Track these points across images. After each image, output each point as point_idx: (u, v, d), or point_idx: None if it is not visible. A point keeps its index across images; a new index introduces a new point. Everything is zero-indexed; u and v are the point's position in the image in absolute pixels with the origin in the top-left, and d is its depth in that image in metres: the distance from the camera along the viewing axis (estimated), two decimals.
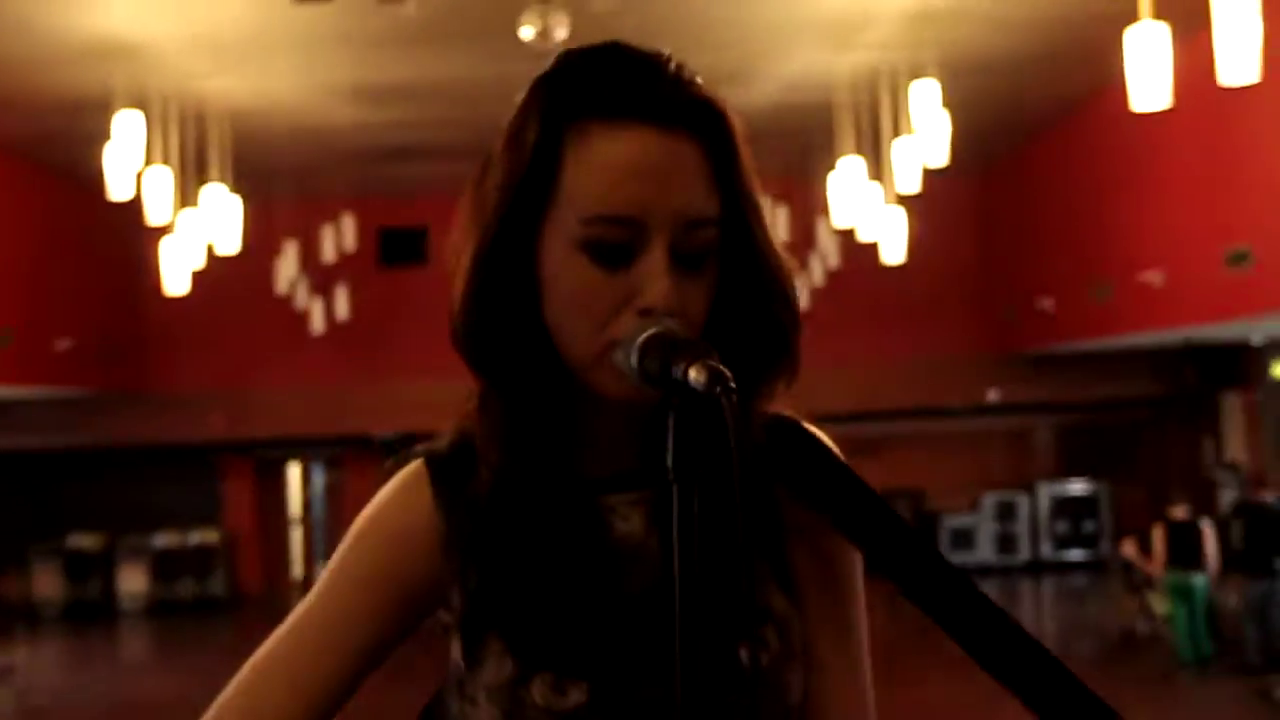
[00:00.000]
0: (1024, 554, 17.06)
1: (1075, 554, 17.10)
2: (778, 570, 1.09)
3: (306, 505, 19.08)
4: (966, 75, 10.14)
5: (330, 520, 18.57)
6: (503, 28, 8.68)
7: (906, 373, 16.37)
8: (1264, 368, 15.43)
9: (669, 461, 0.91)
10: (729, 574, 1.01)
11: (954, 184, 13.23)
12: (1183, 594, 10.41)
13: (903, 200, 10.36)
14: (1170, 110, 10.77)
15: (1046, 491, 17.17)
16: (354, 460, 17.77)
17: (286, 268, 13.94)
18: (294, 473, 18.88)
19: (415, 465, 1.12)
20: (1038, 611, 15.17)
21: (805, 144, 12.62)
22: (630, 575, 1.06)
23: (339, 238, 13.78)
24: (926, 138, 9.41)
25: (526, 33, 8.31)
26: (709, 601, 1.00)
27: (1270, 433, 15.64)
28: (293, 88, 10.89)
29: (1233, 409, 16.68)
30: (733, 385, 0.87)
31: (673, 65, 1.03)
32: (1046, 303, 13.96)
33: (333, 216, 13.73)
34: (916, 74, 9.61)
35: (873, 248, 11.48)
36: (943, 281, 15.61)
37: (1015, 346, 15.65)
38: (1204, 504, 12.67)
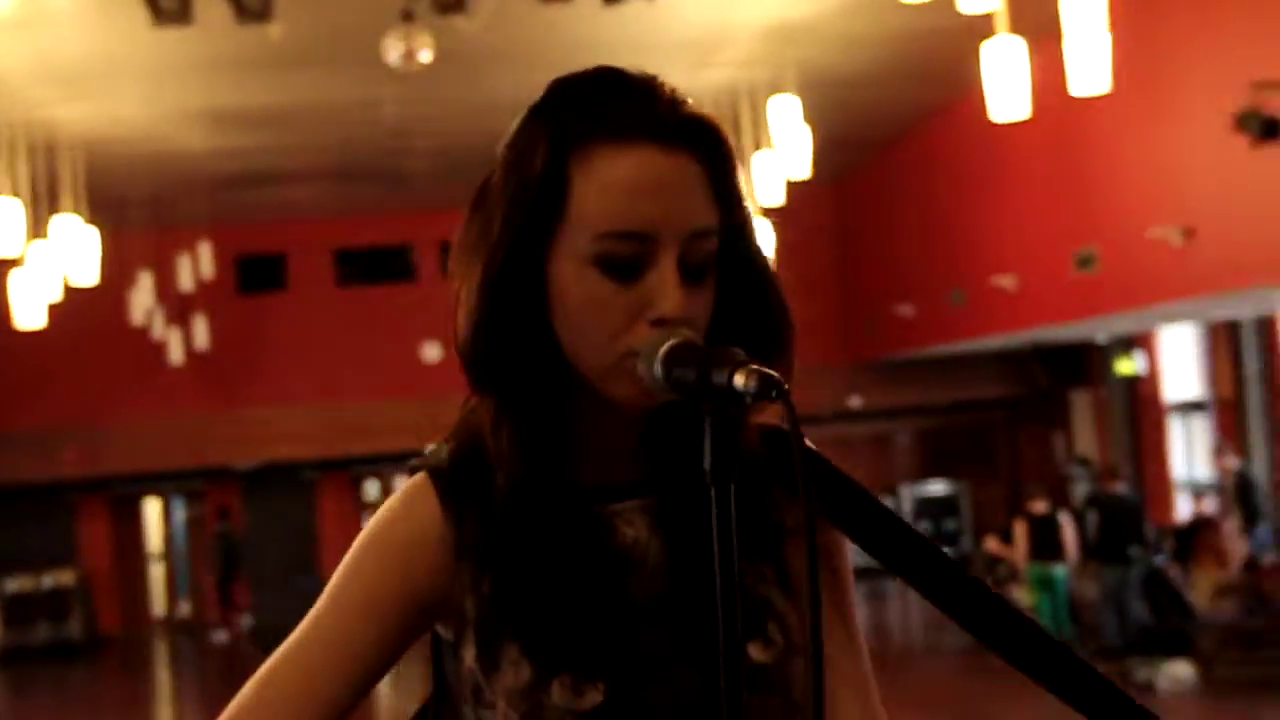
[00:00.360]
0: None
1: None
2: (778, 569, 1.16)
3: (168, 540, 18.58)
4: (824, 89, 10.41)
5: (193, 554, 18.13)
6: (365, 50, 8.63)
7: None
8: (1109, 366, 16.10)
9: (706, 465, 0.96)
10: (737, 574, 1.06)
11: (813, 195, 13.54)
12: (1045, 584, 10.82)
13: (766, 212, 10.56)
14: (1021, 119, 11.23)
15: (909, 493, 17.62)
16: (215, 492, 17.40)
17: (142, 298, 13.62)
18: (153, 508, 18.38)
19: (418, 479, 1.14)
20: (904, 608, 15.52)
21: None
22: (636, 580, 1.11)
23: (196, 266, 13.51)
24: (787, 151, 9.66)
25: (392, 55, 8.26)
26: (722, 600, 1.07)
27: (1118, 427, 16.32)
28: (147, 114, 10.66)
29: (1082, 406, 17.37)
30: (787, 388, 0.93)
31: (667, 88, 1.09)
32: (905, 309, 14.36)
33: (190, 244, 13.45)
34: (776, 89, 9.85)
35: None
36: (804, 291, 15.56)
37: (876, 353, 16.05)
38: (1058, 498, 13.13)
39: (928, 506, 17.63)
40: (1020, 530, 11.14)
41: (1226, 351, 14.12)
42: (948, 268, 13.12)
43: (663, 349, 1.00)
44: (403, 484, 1.17)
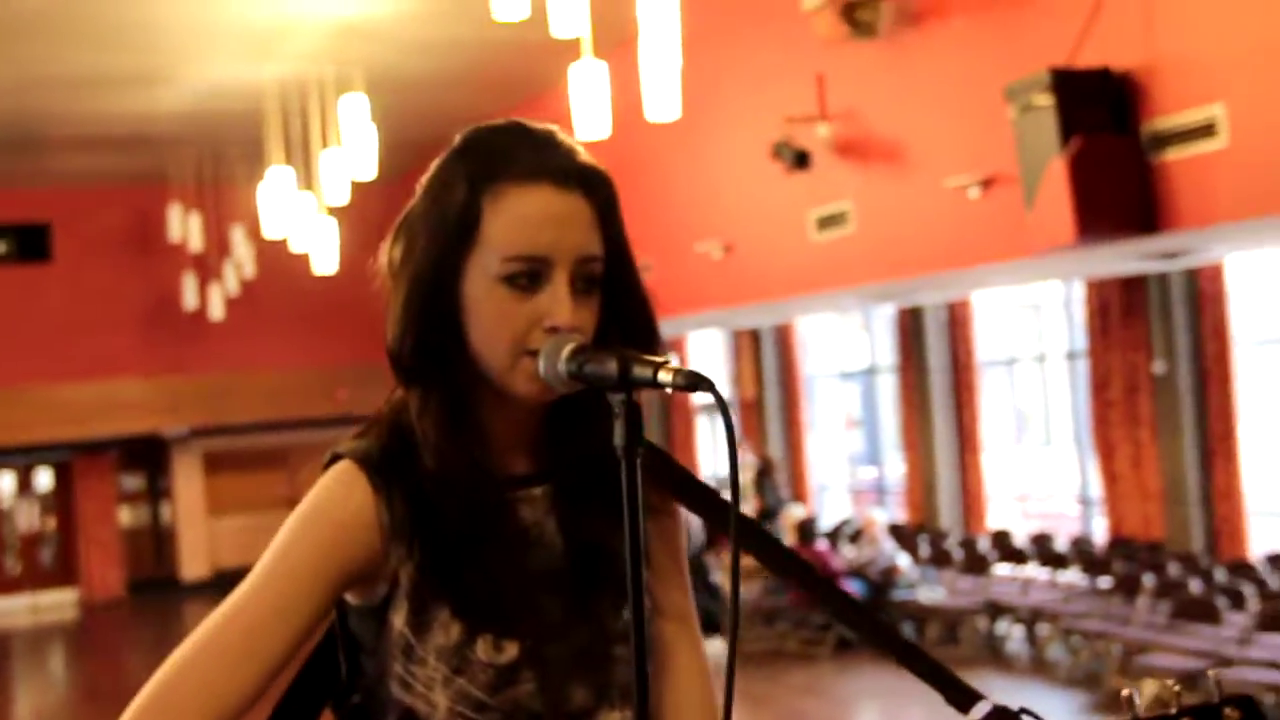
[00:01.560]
0: None
1: None
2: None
3: None
4: (390, 91, 10.51)
5: None
6: None
7: (323, 380, 16.51)
8: None
9: (618, 442, 1.15)
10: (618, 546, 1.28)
11: (374, 195, 13.56)
12: None
13: (331, 211, 10.53)
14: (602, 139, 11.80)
15: None
16: None
17: None
18: None
19: (346, 465, 1.29)
20: None
21: (223, 152, 12.42)
22: (535, 554, 1.32)
23: None
24: (355, 150, 9.67)
25: None
26: (609, 569, 1.29)
27: (652, 426, 17.41)
28: None
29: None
30: (711, 380, 1.13)
31: (564, 139, 1.32)
32: None
33: None
34: (345, 87, 9.84)
35: (288, 256, 11.54)
36: (359, 291, 15.81)
37: None
38: None
39: None
40: None
41: (749, 356, 15.45)
42: None
43: (565, 348, 1.21)
44: (331, 471, 1.31)
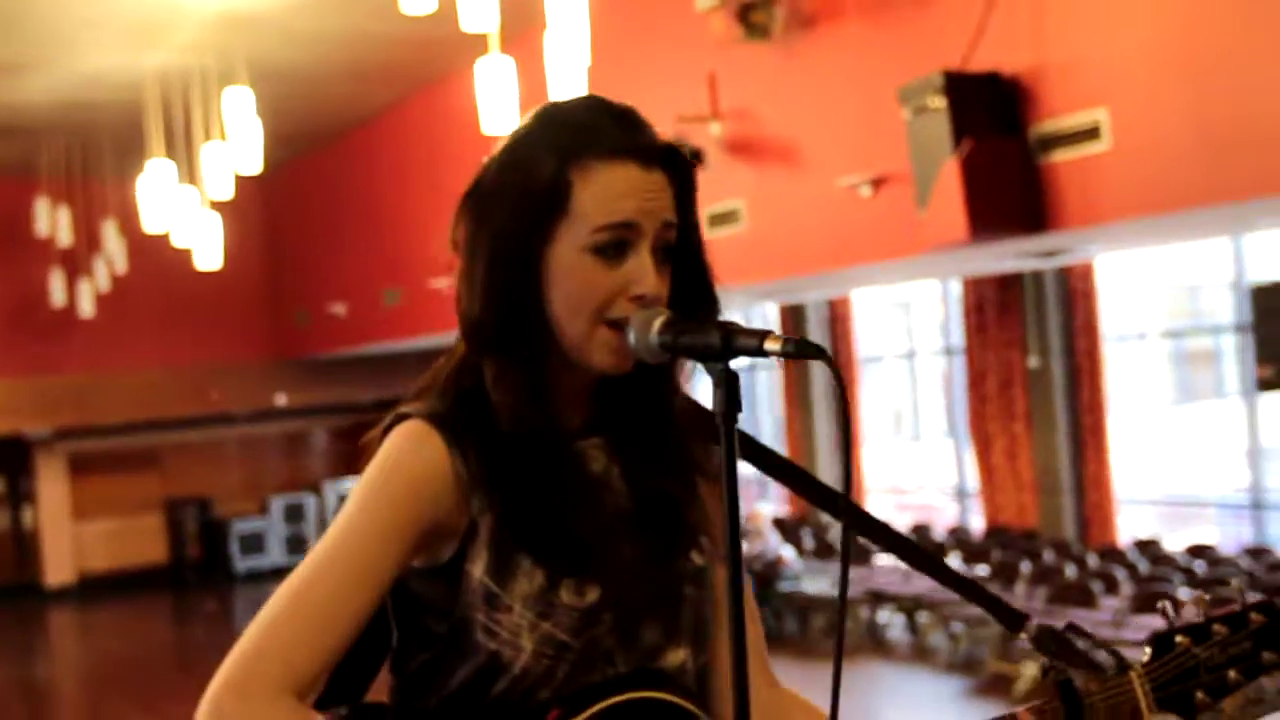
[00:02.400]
0: None
1: None
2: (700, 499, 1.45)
3: None
4: (275, 83, 10.34)
5: None
6: None
7: (195, 379, 16.14)
8: None
9: (719, 409, 1.19)
10: (688, 498, 1.38)
11: (250, 188, 13.32)
12: None
13: (214, 205, 10.32)
14: (462, 129, 11.73)
15: (332, 491, 17.70)
16: None
17: None
18: None
19: (418, 424, 1.33)
20: None
21: (97, 145, 12.08)
22: (607, 500, 1.38)
23: None
24: (239, 143, 9.47)
25: None
26: (674, 515, 1.34)
27: None
28: None
29: None
30: (823, 348, 1.17)
31: (642, 117, 1.37)
32: (339, 307, 14.48)
33: None
34: (228, 80, 9.64)
35: (165, 251, 11.27)
36: (236, 287, 15.58)
37: (307, 351, 16.00)
38: None
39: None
40: None
41: None
42: (385, 267, 13.41)
43: (657, 321, 1.27)
44: (400, 430, 1.33)
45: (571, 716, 1.30)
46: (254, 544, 17.09)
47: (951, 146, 6.42)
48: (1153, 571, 8.69)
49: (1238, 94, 5.66)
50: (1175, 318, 19.95)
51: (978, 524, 11.44)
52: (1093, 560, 9.20)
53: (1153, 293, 18.39)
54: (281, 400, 16.83)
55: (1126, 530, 10.43)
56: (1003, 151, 6.46)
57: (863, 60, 7.56)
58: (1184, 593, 7.77)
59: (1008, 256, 8.41)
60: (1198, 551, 9.10)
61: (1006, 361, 10.71)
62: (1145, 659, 1.35)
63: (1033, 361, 10.51)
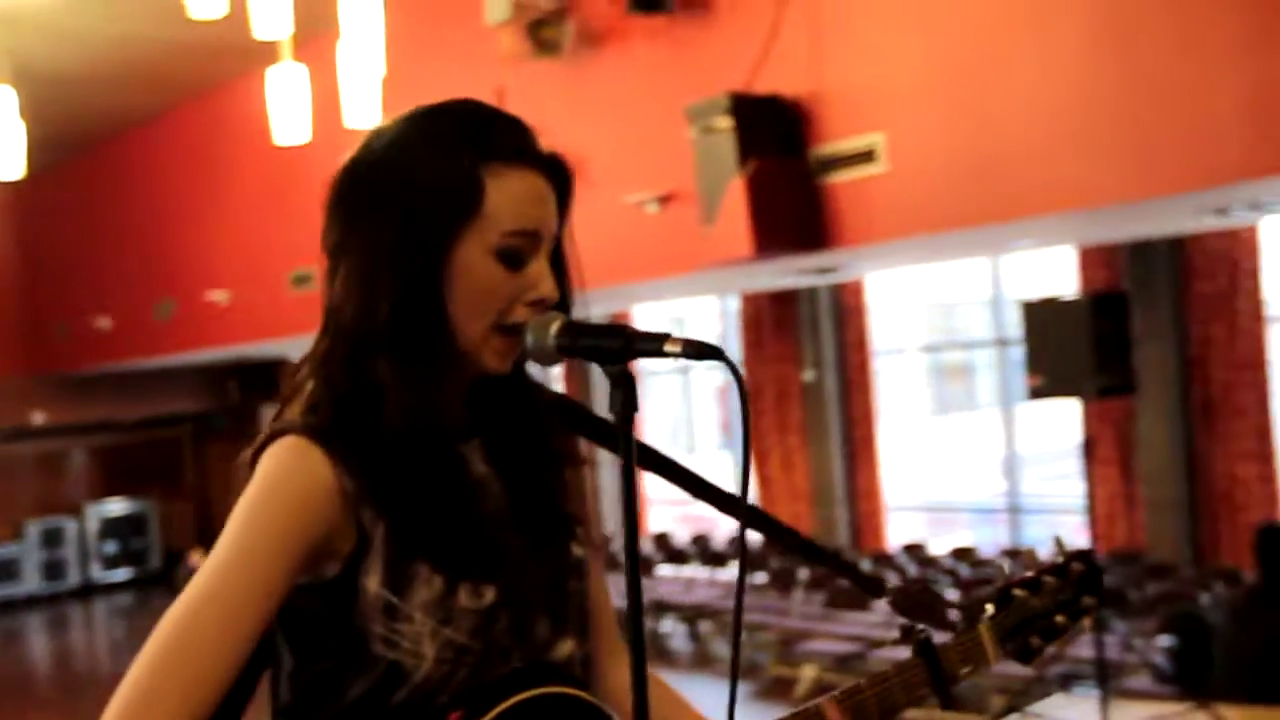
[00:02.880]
0: (74, 579, 16.63)
1: (124, 573, 17.05)
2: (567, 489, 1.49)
3: None
4: (40, 84, 9.88)
5: None
6: None
7: None
8: None
9: (615, 410, 1.22)
10: (562, 491, 1.43)
11: (5, 195, 12.66)
12: None
13: None
14: (238, 139, 11.44)
15: (94, 512, 16.92)
16: None
17: None
18: None
19: (296, 440, 1.29)
20: (107, 631, 14.95)
21: None
22: (486, 502, 1.38)
23: None
24: (0, 147, 9.03)
25: None
26: (550, 509, 1.38)
27: None
28: None
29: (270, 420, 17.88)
30: (722, 350, 1.22)
31: (528, 125, 1.40)
32: (103, 321, 13.88)
33: None
34: None
35: None
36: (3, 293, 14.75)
37: (67, 366, 15.24)
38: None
39: (115, 526, 17.02)
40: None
41: None
42: (156, 279, 12.93)
43: (554, 325, 1.29)
44: (279, 447, 1.30)
45: (475, 718, 1.30)
46: (7, 571, 16.16)
47: (737, 165, 6.65)
48: (921, 574, 9.14)
49: (1001, 123, 6.05)
50: (933, 333, 21.01)
51: (756, 536, 11.77)
52: (865, 565, 9.62)
53: (912, 309, 19.33)
54: (38, 419, 16.00)
55: (895, 536, 10.94)
56: (786, 171, 6.72)
57: (650, 79, 7.75)
58: (951, 593, 8.21)
59: (787, 273, 8.73)
60: (961, 554, 9.62)
61: (782, 375, 11.09)
62: (990, 612, 1.49)
63: (808, 375, 10.92)
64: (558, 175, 1.39)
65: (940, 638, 1.53)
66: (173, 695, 1.21)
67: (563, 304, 1.40)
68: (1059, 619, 1.52)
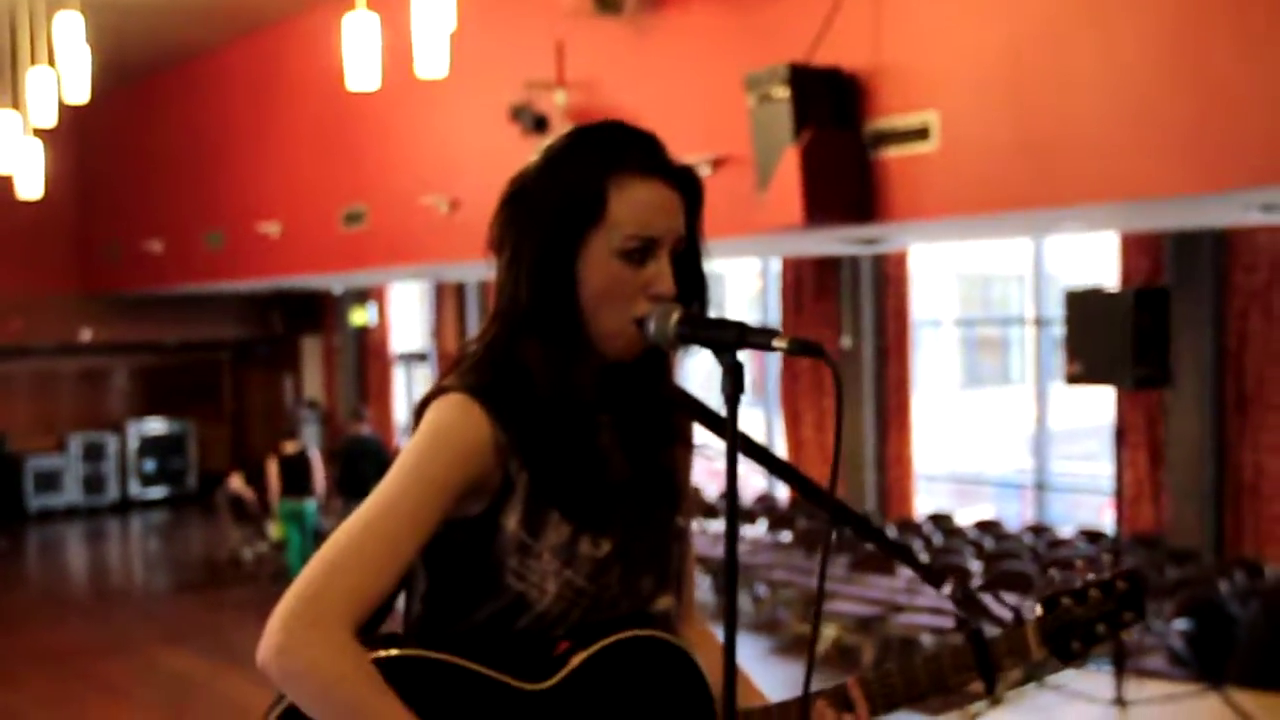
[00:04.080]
0: (112, 493, 17.03)
1: (161, 491, 17.44)
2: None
3: None
4: (107, 12, 10.05)
5: None
6: None
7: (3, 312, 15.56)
8: (343, 315, 17.02)
9: (726, 391, 1.41)
10: (673, 467, 1.63)
11: (65, 118, 12.84)
12: (295, 518, 11.41)
13: (37, 133, 10.00)
14: (298, 76, 11.59)
15: (134, 430, 17.28)
16: None
17: None
18: None
19: (460, 397, 1.53)
20: (142, 546, 15.30)
21: None
22: (610, 468, 1.61)
23: None
24: (67, 71, 9.21)
25: None
26: (664, 483, 1.57)
27: (347, 373, 17.31)
28: None
29: (312, 352, 18.16)
30: (822, 348, 1.41)
31: (660, 141, 1.59)
32: (155, 245, 14.13)
33: None
34: (58, 5, 9.34)
35: None
36: (50, 217, 15.00)
37: (117, 286, 15.53)
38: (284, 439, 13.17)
39: (154, 445, 17.39)
40: (272, 468, 11.61)
41: (452, 308, 15.62)
42: (209, 207, 13.15)
43: (674, 315, 1.50)
44: (447, 401, 1.53)
45: (581, 649, 1.53)
46: (49, 482, 16.57)
47: (792, 135, 6.76)
48: (945, 544, 9.30)
49: (1055, 109, 6.14)
50: (968, 306, 21.05)
51: (784, 494, 11.97)
52: (891, 532, 9.79)
53: (949, 282, 19.37)
54: (86, 335, 16.32)
55: (922, 505, 11.10)
56: (840, 143, 6.83)
57: (710, 44, 7.85)
58: (974, 565, 8.37)
59: (832, 241, 8.85)
60: (985, 527, 9.78)
61: (820, 340, 11.18)
62: (1038, 614, 1.67)
63: (845, 341, 11.05)
64: (685, 185, 1.59)
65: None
66: (339, 595, 1.43)
67: (697, 297, 1.60)
68: (1100, 628, 1.69)
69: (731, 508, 1.40)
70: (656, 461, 1.64)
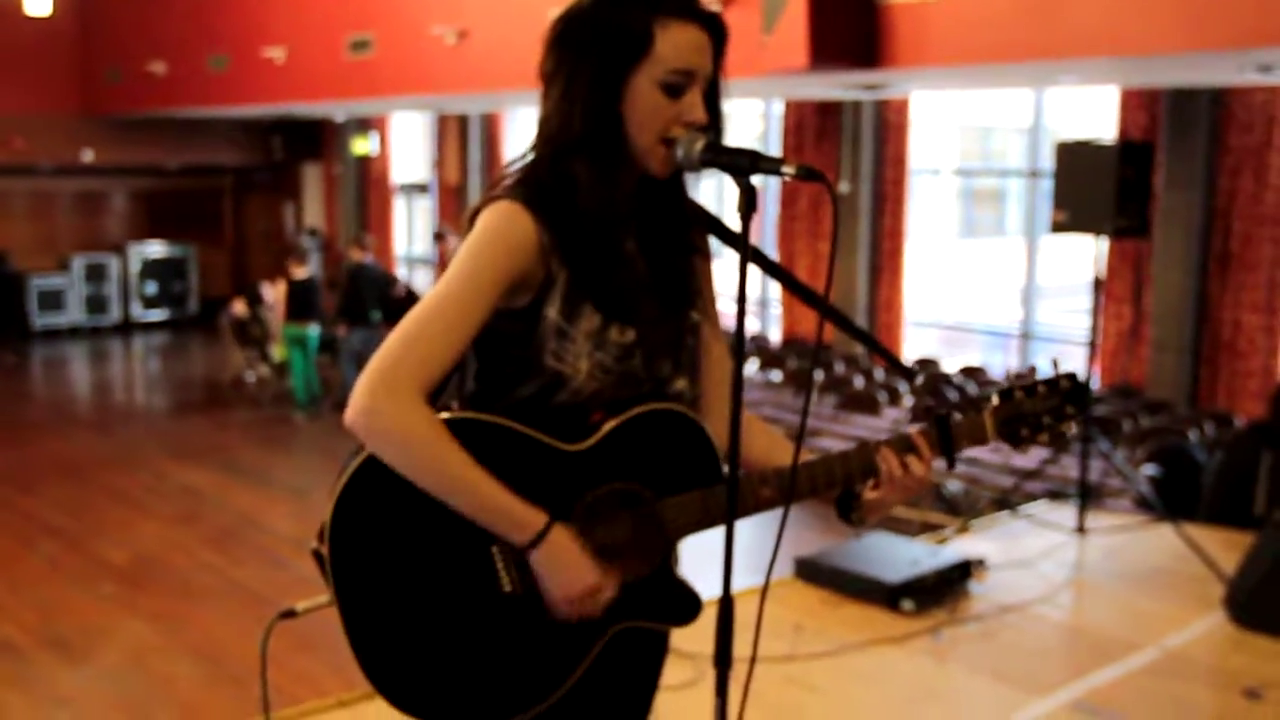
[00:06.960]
0: (115, 314, 17.29)
1: (162, 313, 17.70)
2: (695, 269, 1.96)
3: None
4: None
5: None
6: None
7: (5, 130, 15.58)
8: (345, 144, 17.06)
9: (740, 209, 1.63)
10: (689, 272, 1.87)
11: None
12: (298, 342, 11.68)
13: None
14: None
15: (135, 253, 17.45)
16: None
17: None
18: None
19: (510, 203, 1.76)
20: (145, 366, 15.59)
21: None
22: (636, 268, 1.87)
23: None
24: None
25: None
26: (680, 281, 1.82)
27: (347, 202, 17.42)
28: None
29: (313, 180, 18.23)
30: (824, 174, 1.62)
31: None
32: (158, 66, 14.10)
33: None
34: None
35: None
36: (53, 36, 14.93)
37: (119, 108, 15.53)
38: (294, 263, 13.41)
39: (156, 268, 17.58)
40: (280, 292, 11.82)
41: (454, 140, 15.66)
42: (214, 30, 13.10)
43: (699, 142, 1.73)
44: (498, 208, 1.76)
45: (612, 417, 1.81)
46: (53, 301, 16.81)
47: None
48: (930, 387, 9.61)
49: None
50: (967, 158, 21.08)
51: (776, 334, 12.27)
52: (879, 374, 10.10)
53: (949, 131, 19.38)
54: (88, 156, 16.38)
55: (910, 350, 11.40)
56: None
57: None
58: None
59: (835, 86, 8.94)
60: (970, 373, 10.09)
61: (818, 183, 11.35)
62: (994, 403, 1.93)
63: (843, 186, 11.20)
64: (715, 30, 1.80)
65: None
66: (413, 365, 1.69)
67: (715, 128, 1.82)
68: (1046, 419, 1.96)
69: (740, 311, 1.64)
70: (675, 266, 1.89)
